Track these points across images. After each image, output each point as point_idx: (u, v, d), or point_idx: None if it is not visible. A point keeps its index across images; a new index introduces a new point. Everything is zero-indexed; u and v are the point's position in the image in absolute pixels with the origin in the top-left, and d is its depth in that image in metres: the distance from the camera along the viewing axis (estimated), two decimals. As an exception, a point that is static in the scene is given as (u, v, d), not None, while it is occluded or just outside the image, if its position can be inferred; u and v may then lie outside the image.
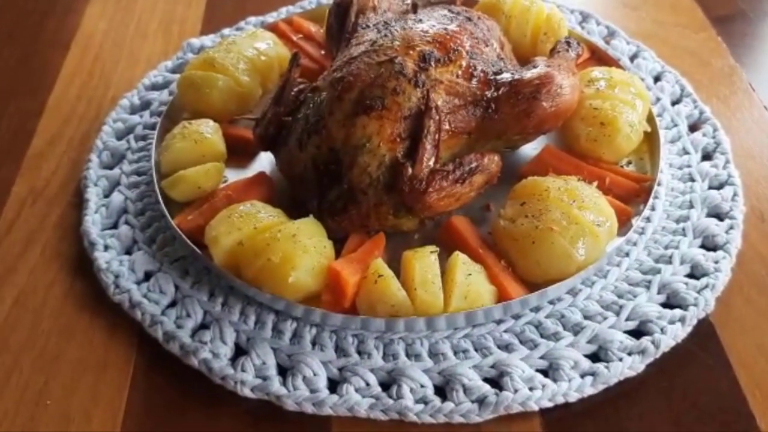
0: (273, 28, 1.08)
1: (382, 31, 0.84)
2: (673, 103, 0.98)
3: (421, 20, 0.84)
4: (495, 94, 0.80)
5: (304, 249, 0.72)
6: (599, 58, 1.01)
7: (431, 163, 0.75)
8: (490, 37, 0.87)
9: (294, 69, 0.84)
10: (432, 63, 0.79)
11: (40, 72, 1.12)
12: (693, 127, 0.94)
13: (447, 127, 0.78)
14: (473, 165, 0.78)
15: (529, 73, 0.81)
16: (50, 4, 1.26)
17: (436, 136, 0.76)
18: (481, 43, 0.85)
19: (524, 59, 0.96)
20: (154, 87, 1.04)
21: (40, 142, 0.99)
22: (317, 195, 0.79)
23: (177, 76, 1.04)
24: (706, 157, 0.90)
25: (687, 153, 0.90)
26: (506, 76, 0.81)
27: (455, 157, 0.80)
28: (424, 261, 0.72)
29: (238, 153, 0.90)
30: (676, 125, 0.94)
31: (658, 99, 0.97)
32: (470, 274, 0.71)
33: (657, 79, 1.01)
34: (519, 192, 0.78)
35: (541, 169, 0.84)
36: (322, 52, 1.04)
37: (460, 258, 0.72)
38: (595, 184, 0.79)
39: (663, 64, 1.03)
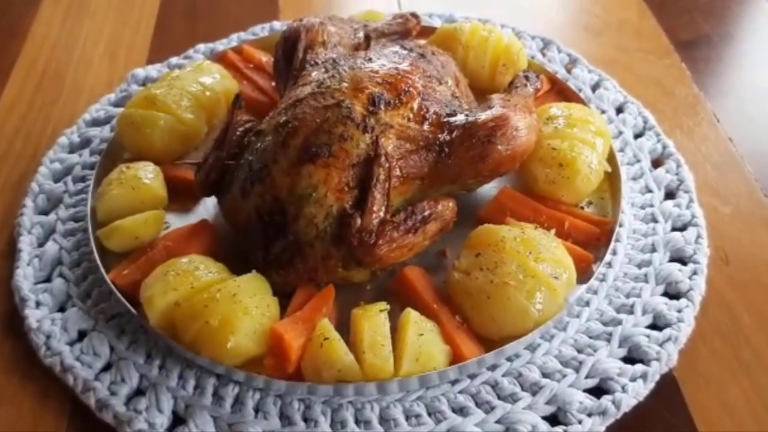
0: (222, 57, 1.04)
1: (330, 70, 0.79)
2: (636, 136, 0.95)
3: (371, 59, 0.80)
4: (448, 137, 0.76)
5: (244, 310, 0.67)
6: (559, 89, 0.97)
7: (381, 213, 0.71)
8: (444, 74, 0.83)
9: (236, 111, 0.79)
10: (381, 106, 0.75)
11: (-23, 103, 1.07)
12: (656, 163, 0.92)
13: (398, 173, 0.75)
14: (426, 213, 0.74)
15: (483, 115, 0.77)
16: (-9, 28, 1.21)
17: (386, 184, 0.72)
18: (434, 81, 0.81)
19: (482, 91, 0.93)
20: (95, 122, 0.99)
21: (-27, 184, 0.94)
22: (262, 247, 0.74)
23: (120, 110, 0.99)
24: (670, 195, 0.88)
25: (650, 191, 0.87)
26: (460, 119, 0.77)
27: (408, 203, 0.76)
28: (374, 321, 0.68)
29: (182, 196, 0.85)
30: (638, 161, 0.91)
31: (621, 132, 0.94)
32: (422, 334, 0.67)
33: (619, 110, 0.98)
34: (474, 241, 0.74)
35: (499, 212, 0.81)
36: (273, 83, 0.99)
37: (411, 316, 0.69)
38: (553, 231, 0.76)
39: (626, 95, 1.00)
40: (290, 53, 0.86)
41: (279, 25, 1.14)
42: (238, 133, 0.79)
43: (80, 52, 1.16)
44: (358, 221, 0.70)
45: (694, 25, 1.16)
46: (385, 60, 0.80)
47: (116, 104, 1.02)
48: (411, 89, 0.77)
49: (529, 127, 0.79)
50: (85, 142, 0.96)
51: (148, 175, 0.82)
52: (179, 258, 0.73)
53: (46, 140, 0.99)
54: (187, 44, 1.13)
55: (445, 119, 0.77)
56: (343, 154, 0.72)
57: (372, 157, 0.72)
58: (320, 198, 0.71)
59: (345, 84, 0.76)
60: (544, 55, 1.08)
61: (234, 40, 1.12)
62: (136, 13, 1.24)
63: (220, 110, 0.93)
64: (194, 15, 1.22)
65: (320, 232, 0.71)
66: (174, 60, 1.09)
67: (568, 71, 1.05)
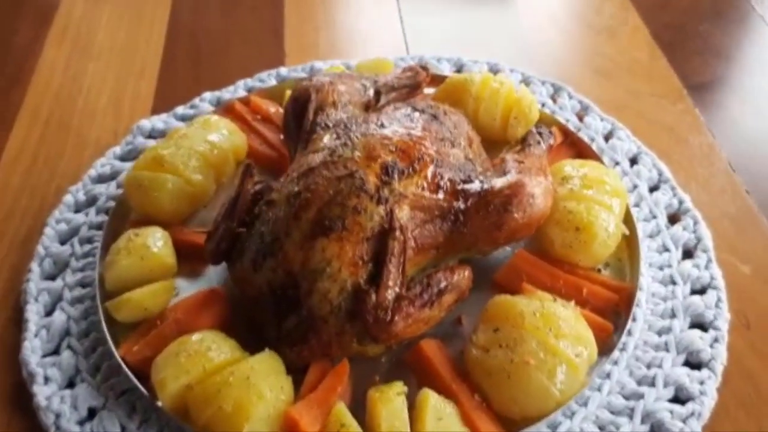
0: (229, 109, 1.02)
1: (342, 137, 0.78)
2: (651, 190, 0.93)
3: (383, 124, 0.79)
4: (463, 206, 0.75)
5: (258, 394, 0.66)
6: (572, 142, 0.96)
7: (396, 287, 0.70)
8: (457, 135, 0.82)
9: (247, 180, 0.78)
10: (395, 176, 0.73)
11: (-20, 155, 1.05)
12: (672, 218, 0.90)
13: (413, 243, 0.73)
14: (442, 285, 0.72)
15: (499, 183, 0.76)
16: (-8, 76, 1.19)
17: (401, 257, 0.70)
18: (447, 144, 0.80)
19: (494, 143, 0.92)
20: (101, 179, 0.97)
21: (-22, 244, 0.92)
22: (275, 322, 0.73)
23: (126, 165, 0.98)
24: (687, 253, 0.86)
25: (667, 250, 0.86)
26: (475, 186, 0.76)
27: (423, 272, 0.74)
28: (391, 406, 0.66)
29: (191, 259, 0.84)
30: (654, 217, 0.89)
31: (635, 186, 0.93)
32: (441, 419, 0.66)
33: (633, 161, 0.97)
34: (491, 313, 0.73)
35: (515, 277, 0.79)
36: (281, 136, 0.98)
37: (430, 400, 0.67)
38: (572, 302, 0.74)
39: (639, 145, 0.98)
40: (300, 114, 0.85)
41: (285, 72, 1.12)
42: (248, 197, 0.78)
43: (84, 102, 1.14)
44: (373, 297, 0.69)
45: (706, 66, 1.15)
46: (397, 125, 0.79)
47: (122, 158, 1.00)
48: (425, 156, 0.76)
49: (545, 192, 0.78)
50: (92, 200, 0.95)
51: (157, 242, 0.80)
52: (190, 336, 0.71)
53: (51, 196, 0.97)
54: (193, 90, 1.11)
55: (460, 186, 0.76)
56: (357, 227, 0.71)
57: (386, 230, 0.71)
58: (334, 273, 0.70)
59: (357, 153, 0.75)
60: (555, 101, 1.06)
61: (240, 87, 1.10)
62: (141, 56, 1.22)
63: (229, 168, 0.92)
64: (199, 59, 1.21)
65: (334, 308, 0.70)
66: (180, 110, 1.07)
67: (580, 119, 1.03)
